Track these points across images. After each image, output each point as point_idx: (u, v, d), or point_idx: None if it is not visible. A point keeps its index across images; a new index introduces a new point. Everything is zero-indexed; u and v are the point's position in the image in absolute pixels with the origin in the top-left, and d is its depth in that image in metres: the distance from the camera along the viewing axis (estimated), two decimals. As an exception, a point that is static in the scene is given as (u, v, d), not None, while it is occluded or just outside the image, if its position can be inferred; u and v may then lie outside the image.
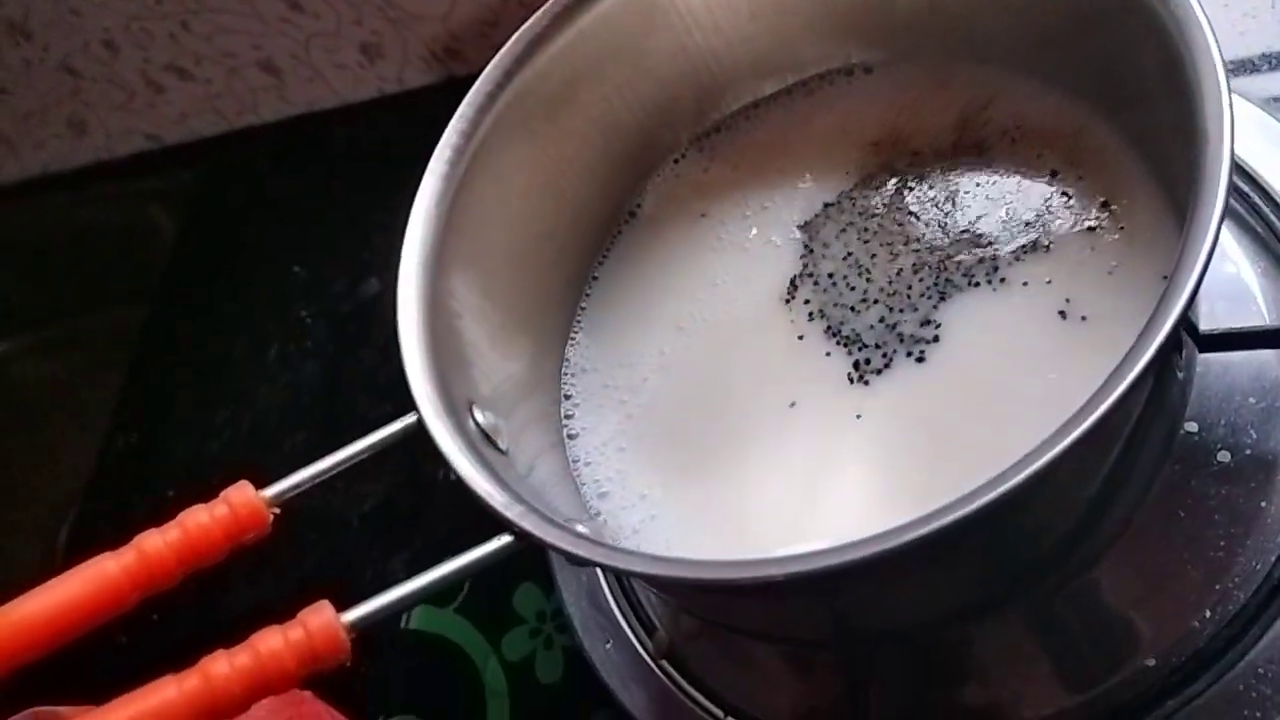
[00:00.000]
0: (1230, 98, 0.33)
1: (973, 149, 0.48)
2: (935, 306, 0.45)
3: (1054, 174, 0.45)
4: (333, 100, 0.87)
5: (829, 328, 0.46)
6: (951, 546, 0.35)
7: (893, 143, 0.50)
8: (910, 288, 0.46)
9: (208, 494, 0.77)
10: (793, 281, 0.48)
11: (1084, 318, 0.42)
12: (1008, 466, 0.31)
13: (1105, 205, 0.44)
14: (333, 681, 0.58)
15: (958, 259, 0.46)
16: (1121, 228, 0.43)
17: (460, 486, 0.36)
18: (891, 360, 0.44)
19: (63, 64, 0.88)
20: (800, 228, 0.50)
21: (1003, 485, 0.31)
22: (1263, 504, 0.45)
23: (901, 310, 0.45)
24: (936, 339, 0.44)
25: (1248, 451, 0.46)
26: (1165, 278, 0.40)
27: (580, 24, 0.46)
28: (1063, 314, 0.43)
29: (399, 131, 0.85)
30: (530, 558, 0.58)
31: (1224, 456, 0.46)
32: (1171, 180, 0.41)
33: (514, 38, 0.46)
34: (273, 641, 0.33)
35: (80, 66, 0.87)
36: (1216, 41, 0.35)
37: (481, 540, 0.61)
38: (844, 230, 0.49)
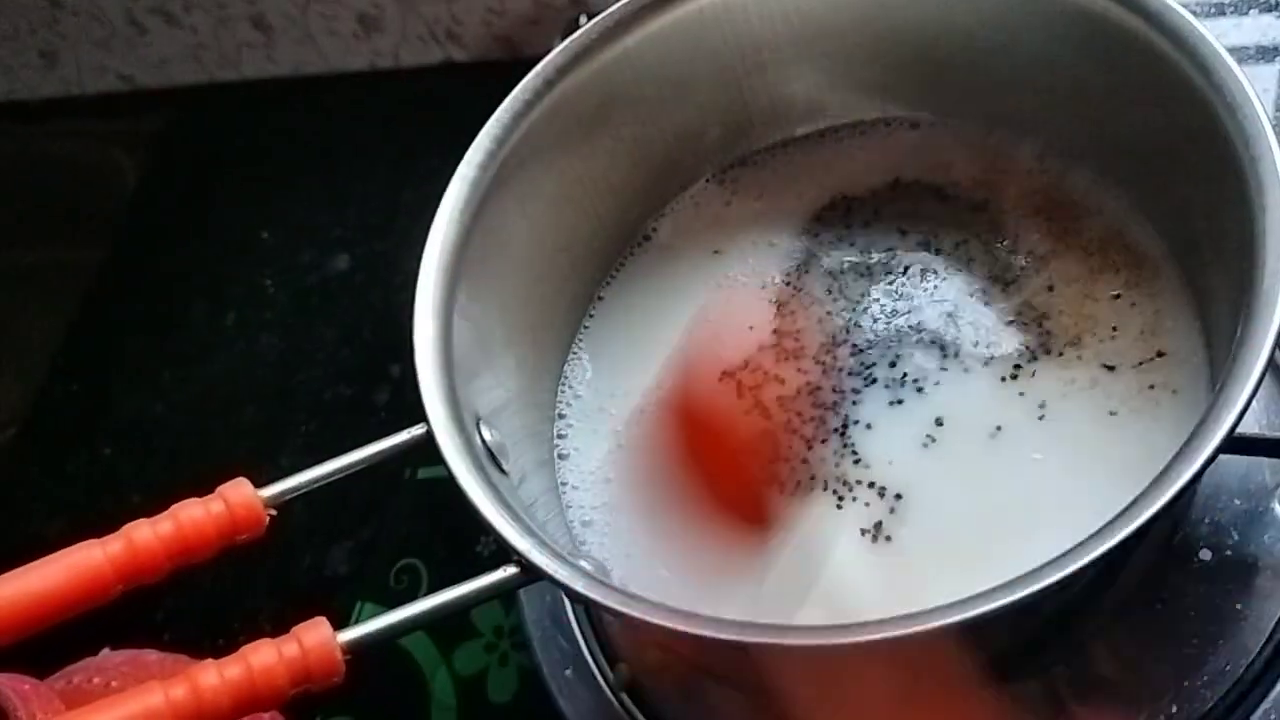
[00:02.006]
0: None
1: (990, 222, 0.48)
2: (920, 389, 0.45)
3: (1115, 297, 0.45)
4: (321, 66, 0.85)
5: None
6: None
7: (914, 201, 0.50)
8: (891, 359, 0.46)
9: (148, 457, 0.75)
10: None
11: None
12: (1005, 582, 0.31)
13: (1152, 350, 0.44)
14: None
15: (927, 337, 0.46)
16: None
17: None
18: (879, 427, 0.44)
19: (47, -9, 0.84)
20: (795, 274, 0.49)
21: (1001, 599, 0.31)
22: (1239, 606, 0.45)
23: (888, 382, 0.45)
24: (941, 421, 0.44)
25: (1228, 552, 0.46)
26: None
27: (626, 43, 0.45)
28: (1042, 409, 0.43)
29: (387, 108, 0.83)
30: (493, 568, 0.58)
31: (1205, 554, 0.46)
32: (1209, 307, 0.42)
33: (558, 49, 0.45)
34: (266, 655, 0.32)
35: (64, -3, 0.84)
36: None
37: (444, 537, 0.60)
38: (841, 282, 0.49)
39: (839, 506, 0.43)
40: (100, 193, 0.89)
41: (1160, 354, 0.43)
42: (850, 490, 0.43)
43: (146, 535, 0.34)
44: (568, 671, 0.51)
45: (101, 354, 0.80)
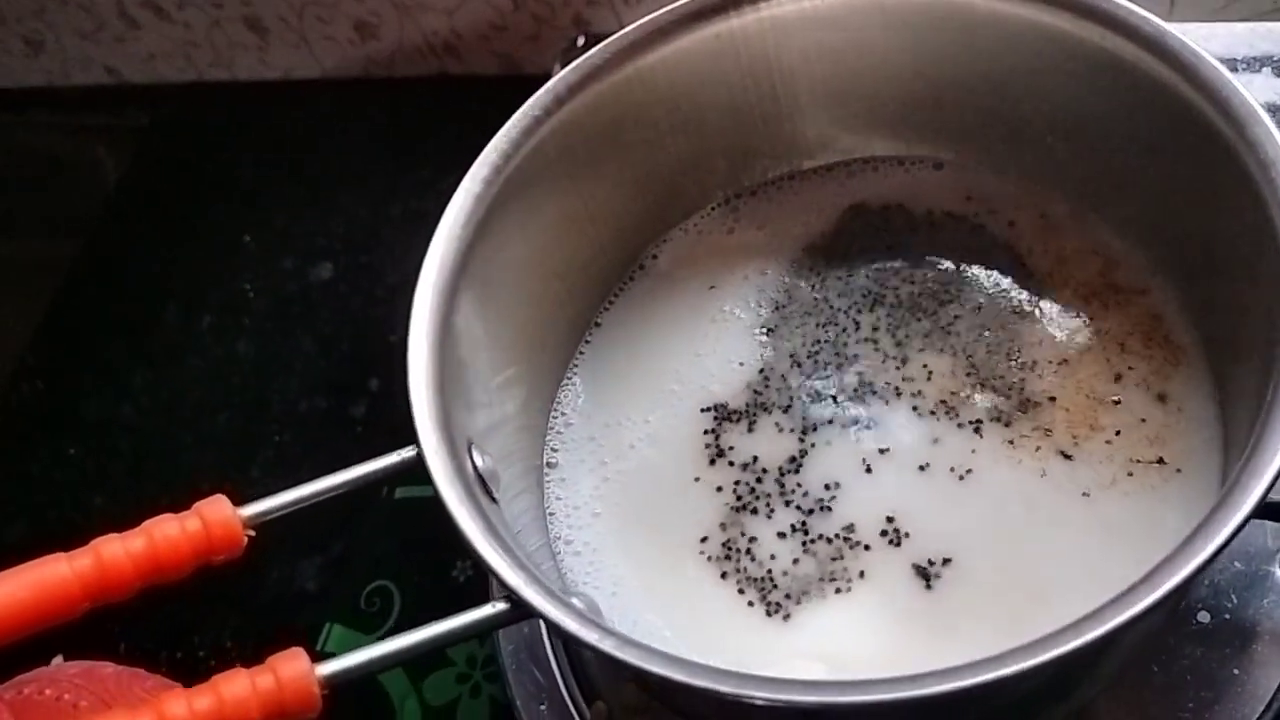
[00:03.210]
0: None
1: (1008, 268, 0.47)
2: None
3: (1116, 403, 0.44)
4: (314, 71, 0.83)
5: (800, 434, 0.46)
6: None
7: (916, 240, 0.49)
8: (872, 397, 0.45)
9: (114, 461, 0.73)
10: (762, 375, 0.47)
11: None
12: (1012, 649, 0.30)
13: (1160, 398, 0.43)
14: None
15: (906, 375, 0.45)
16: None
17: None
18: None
19: (34, -21, 0.82)
20: (785, 309, 0.48)
21: (1009, 667, 0.30)
22: (1235, 671, 0.44)
23: (861, 412, 0.45)
24: (925, 466, 0.44)
25: (1227, 616, 0.45)
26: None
27: (639, 64, 0.44)
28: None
29: (379, 117, 0.82)
30: (470, 595, 0.56)
31: (1203, 617, 0.45)
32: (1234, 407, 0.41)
33: (571, 66, 0.43)
34: (239, 687, 0.30)
35: (52, -14, 0.82)
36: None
37: (418, 560, 0.58)
38: (829, 320, 0.48)
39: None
40: (79, 187, 0.87)
41: (1161, 460, 0.42)
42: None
43: (116, 551, 0.32)
44: (542, 706, 0.49)
45: (71, 353, 0.78)
